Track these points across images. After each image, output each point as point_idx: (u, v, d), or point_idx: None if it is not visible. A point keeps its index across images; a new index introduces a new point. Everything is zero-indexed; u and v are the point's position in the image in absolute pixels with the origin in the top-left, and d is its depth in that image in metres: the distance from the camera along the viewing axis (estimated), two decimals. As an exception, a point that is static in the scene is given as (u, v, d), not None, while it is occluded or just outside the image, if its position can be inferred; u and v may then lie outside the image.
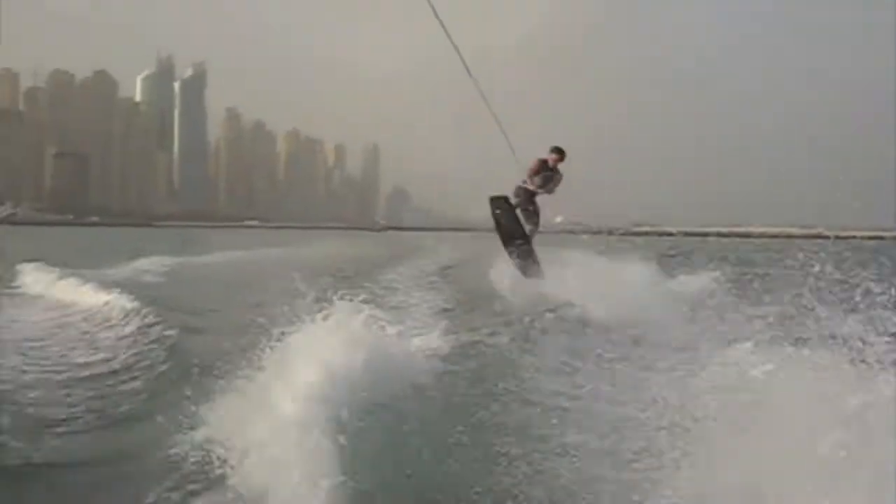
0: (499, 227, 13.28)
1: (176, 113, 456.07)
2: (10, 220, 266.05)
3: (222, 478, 8.11)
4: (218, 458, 8.37)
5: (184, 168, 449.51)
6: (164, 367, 14.65)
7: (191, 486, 8.11)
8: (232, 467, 8.19)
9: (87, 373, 14.55)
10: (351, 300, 13.92)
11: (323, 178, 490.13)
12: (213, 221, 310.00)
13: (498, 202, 13.24)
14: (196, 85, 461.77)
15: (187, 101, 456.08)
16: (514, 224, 13.22)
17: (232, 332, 14.34)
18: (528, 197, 13.31)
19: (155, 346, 16.66)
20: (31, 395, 12.65)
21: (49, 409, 11.96)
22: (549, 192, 13.24)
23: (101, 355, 16.35)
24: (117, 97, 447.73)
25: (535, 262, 13.62)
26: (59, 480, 9.23)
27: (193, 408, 9.88)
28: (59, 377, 14.12)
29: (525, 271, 13.77)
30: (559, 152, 13.38)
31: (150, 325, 18.61)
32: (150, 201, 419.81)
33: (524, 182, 13.21)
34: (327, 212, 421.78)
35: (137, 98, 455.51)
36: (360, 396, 10.62)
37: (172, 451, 8.84)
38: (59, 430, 11.03)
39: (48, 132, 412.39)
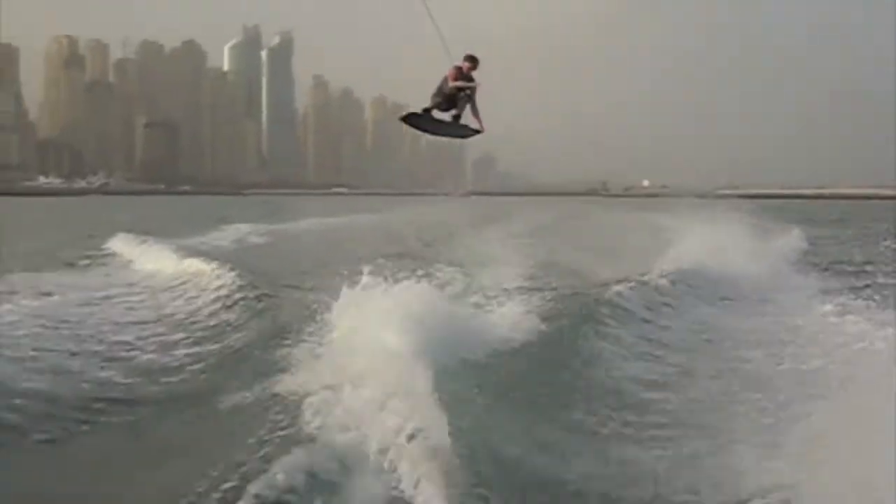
0: (426, 131, 14.86)
1: (263, 81, 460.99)
2: (103, 191, 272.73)
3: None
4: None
5: (272, 137, 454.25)
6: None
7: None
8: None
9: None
10: (437, 262, 14.88)
11: (409, 145, 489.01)
12: (302, 189, 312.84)
13: (410, 118, 14.76)
14: (283, 53, 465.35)
15: (274, 70, 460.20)
16: (433, 124, 14.70)
17: (324, 288, 15.71)
18: (448, 96, 14.58)
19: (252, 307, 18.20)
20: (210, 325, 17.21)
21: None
22: (471, 88, 14.54)
23: (224, 291, 19.71)
24: (205, 67, 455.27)
25: (465, 127, 14.91)
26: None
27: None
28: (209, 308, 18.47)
29: (462, 137, 15.16)
30: (472, 60, 14.66)
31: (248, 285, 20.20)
32: (238, 170, 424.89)
33: (443, 84, 14.55)
34: (414, 178, 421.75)
35: (225, 67, 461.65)
36: (442, 351, 11.54)
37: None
38: (238, 335, 15.47)
39: (138, 103, 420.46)
